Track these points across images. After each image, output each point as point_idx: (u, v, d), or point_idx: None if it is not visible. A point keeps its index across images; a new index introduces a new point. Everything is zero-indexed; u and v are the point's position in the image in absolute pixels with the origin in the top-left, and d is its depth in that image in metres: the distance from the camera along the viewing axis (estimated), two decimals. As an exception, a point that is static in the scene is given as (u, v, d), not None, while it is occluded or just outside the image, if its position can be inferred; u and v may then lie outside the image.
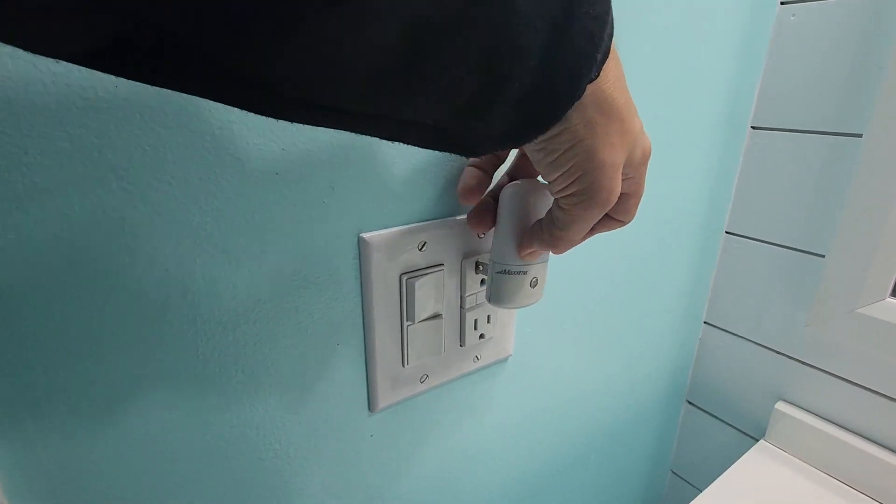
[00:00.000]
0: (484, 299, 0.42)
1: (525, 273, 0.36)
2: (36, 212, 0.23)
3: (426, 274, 0.38)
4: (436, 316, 0.40)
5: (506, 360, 0.49)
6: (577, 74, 0.19)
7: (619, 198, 0.26)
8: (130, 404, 0.29)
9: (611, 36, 0.20)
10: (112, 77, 0.22)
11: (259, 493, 0.36)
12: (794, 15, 0.56)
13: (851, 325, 0.57)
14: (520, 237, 0.34)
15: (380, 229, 0.35)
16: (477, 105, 0.18)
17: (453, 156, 0.37)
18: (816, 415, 0.64)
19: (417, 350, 0.40)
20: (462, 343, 0.43)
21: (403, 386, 0.41)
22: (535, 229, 0.32)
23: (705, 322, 0.74)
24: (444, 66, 0.16)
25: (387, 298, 0.37)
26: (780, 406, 0.66)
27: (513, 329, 0.47)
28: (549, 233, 0.30)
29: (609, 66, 0.21)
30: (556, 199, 0.27)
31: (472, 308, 0.42)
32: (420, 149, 0.33)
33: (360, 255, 0.35)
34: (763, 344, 0.68)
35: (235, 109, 0.26)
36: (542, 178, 0.27)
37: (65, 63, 0.19)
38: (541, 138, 0.22)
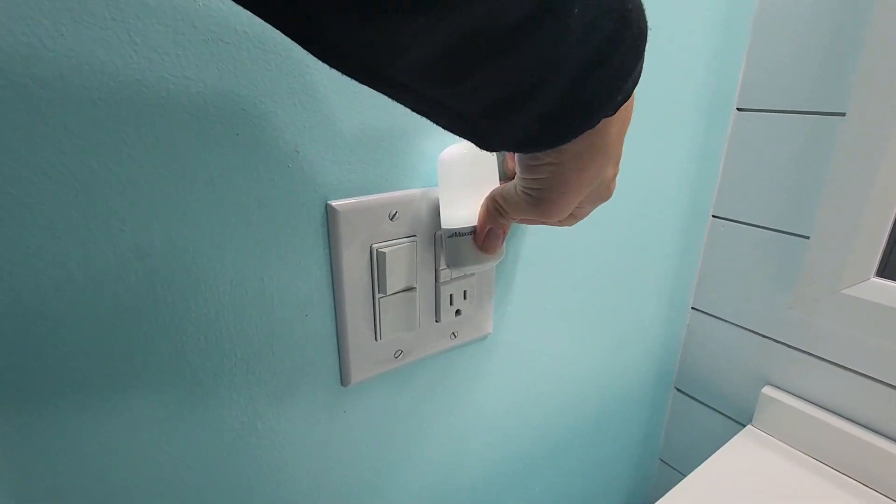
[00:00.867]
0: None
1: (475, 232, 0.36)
2: None
3: (398, 245, 0.37)
4: (409, 289, 0.39)
5: (485, 338, 0.48)
6: (597, 108, 0.21)
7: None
8: (101, 384, 0.28)
9: (636, 82, 0.21)
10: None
11: (226, 468, 0.36)
12: (777, -7, 0.56)
13: (836, 306, 0.56)
14: (464, 202, 0.36)
15: (348, 197, 0.35)
16: (504, 109, 0.20)
17: (427, 127, 0.37)
18: (803, 398, 0.63)
19: (390, 324, 0.39)
20: (437, 318, 0.42)
21: (377, 361, 0.40)
22: (486, 202, 0.35)
23: (693, 308, 0.74)
24: (487, 71, 0.18)
25: (357, 269, 0.36)
26: (767, 390, 0.65)
27: (491, 307, 0.47)
28: (496, 207, 0.33)
29: (625, 106, 0.23)
30: (518, 180, 0.30)
31: (446, 282, 0.41)
32: (399, 115, 0.34)
33: (327, 224, 0.34)
34: (749, 328, 0.67)
35: (193, 65, 0.26)
36: (516, 165, 0.29)
37: None
38: None
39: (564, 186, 0.27)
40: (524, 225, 0.46)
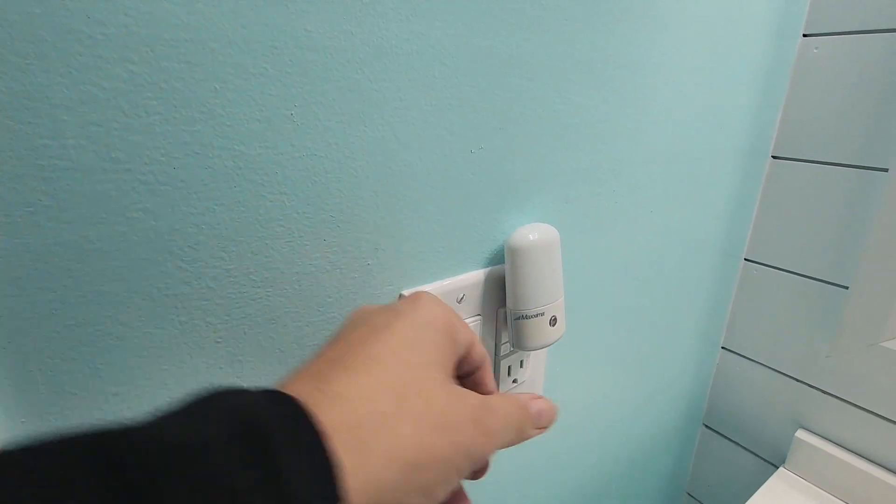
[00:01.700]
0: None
1: (542, 314, 0.37)
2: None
3: (464, 326, 0.37)
4: (472, 366, 0.39)
5: (535, 400, 0.48)
6: None
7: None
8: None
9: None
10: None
11: None
12: (816, 48, 0.56)
13: (875, 358, 0.57)
14: (532, 286, 0.36)
15: (420, 285, 0.35)
16: None
17: (486, 210, 0.37)
18: (837, 444, 0.64)
19: (454, 401, 0.39)
20: (497, 390, 0.43)
21: (438, 435, 0.40)
22: None
23: (723, 347, 0.74)
24: None
25: (426, 353, 0.36)
26: (801, 434, 0.66)
27: (542, 370, 0.47)
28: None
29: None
30: None
31: (506, 356, 0.42)
32: (453, 205, 0.34)
33: (401, 313, 0.34)
34: (782, 371, 0.68)
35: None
36: None
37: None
38: None
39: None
40: (572, 280, 0.46)
